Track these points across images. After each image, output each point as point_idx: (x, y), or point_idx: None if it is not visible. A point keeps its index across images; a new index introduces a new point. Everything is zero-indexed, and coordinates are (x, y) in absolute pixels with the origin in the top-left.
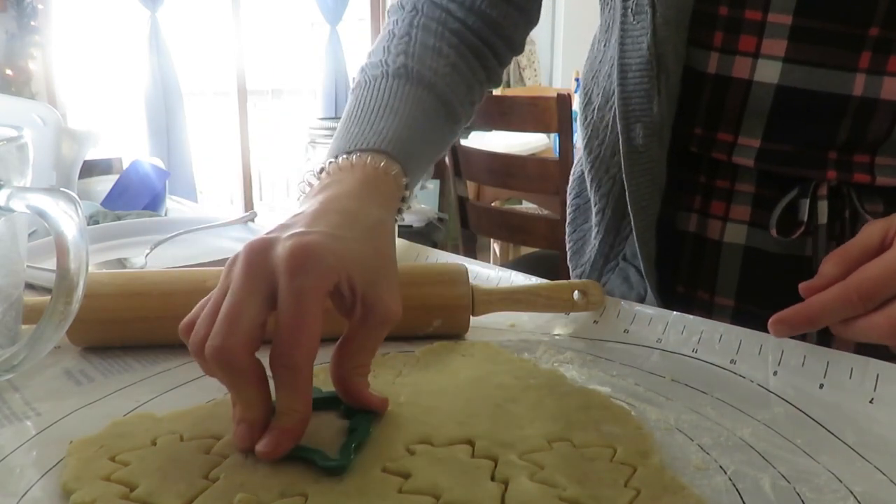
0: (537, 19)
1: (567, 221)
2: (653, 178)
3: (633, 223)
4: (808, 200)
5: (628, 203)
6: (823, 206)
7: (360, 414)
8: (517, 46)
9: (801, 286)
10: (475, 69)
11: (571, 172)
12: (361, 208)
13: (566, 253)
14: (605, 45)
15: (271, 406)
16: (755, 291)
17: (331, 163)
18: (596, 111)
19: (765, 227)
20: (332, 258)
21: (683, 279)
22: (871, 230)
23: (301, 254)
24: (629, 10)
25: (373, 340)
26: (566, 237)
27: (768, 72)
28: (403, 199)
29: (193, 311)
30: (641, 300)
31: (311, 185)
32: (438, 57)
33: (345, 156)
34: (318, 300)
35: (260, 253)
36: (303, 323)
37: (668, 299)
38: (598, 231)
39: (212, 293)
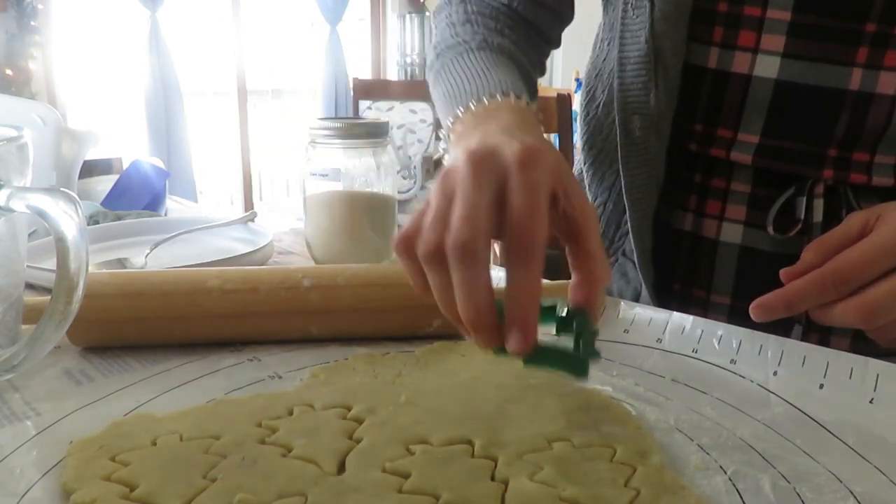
0: (571, 17)
1: None
2: (649, 170)
3: (628, 215)
4: (804, 199)
5: (624, 195)
6: (819, 205)
7: (578, 317)
8: (553, 42)
9: (782, 272)
10: (527, 50)
11: (573, 171)
12: (535, 131)
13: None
14: (608, 45)
15: (494, 311)
16: (751, 290)
17: (473, 105)
18: (601, 107)
19: (760, 226)
20: (553, 161)
21: (680, 277)
22: (853, 220)
23: (532, 152)
24: (629, 6)
25: (599, 238)
26: None
27: (767, 67)
28: None
29: (408, 225)
30: (638, 295)
31: (453, 131)
32: (503, 37)
33: (487, 98)
34: (547, 194)
35: (486, 157)
36: (537, 210)
37: (665, 297)
38: None
39: (428, 203)
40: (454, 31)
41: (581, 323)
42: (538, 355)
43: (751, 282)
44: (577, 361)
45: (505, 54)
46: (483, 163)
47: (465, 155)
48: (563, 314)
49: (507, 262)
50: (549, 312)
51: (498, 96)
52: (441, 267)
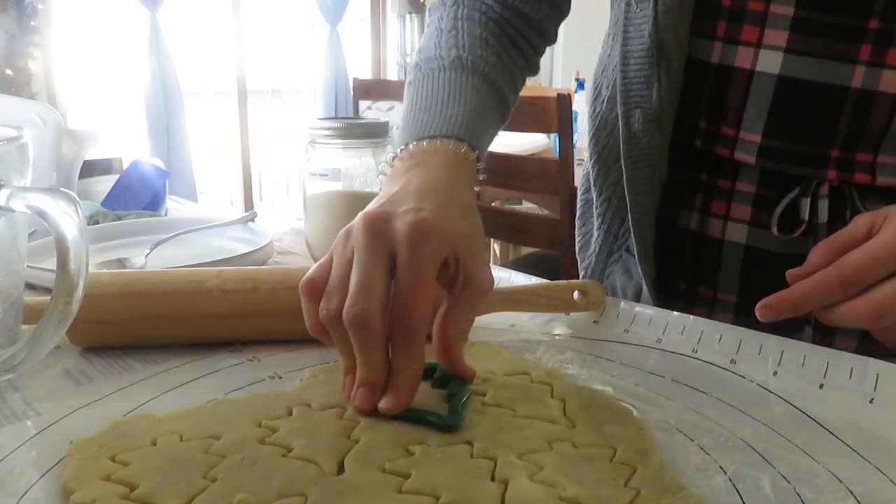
0: (568, 10)
1: (577, 216)
2: (651, 164)
3: (629, 210)
4: (809, 199)
5: (625, 189)
6: (824, 206)
7: (453, 381)
8: (550, 37)
9: (788, 273)
10: (515, 58)
11: (581, 168)
12: (454, 190)
13: (568, 251)
14: (613, 40)
15: (388, 370)
16: (757, 289)
17: (413, 145)
18: (605, 103)
19: (765, 226)
20: (444, 233)
21: (685, 276)
22: (860, 222)
23: (420, 228)
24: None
25: (473, 309)
26: (575, 231)
27: (770, 62)
28: (476, 182)
29: (315, 270)
30: (639, 291)
31: (391, 166)
32: (486, 46)
33: (427, 140)
34: (433, 270)
35: (380, 225)
36: (421, 289)
37: (669, 294)
38: (601, 221)
39: (328, 259)
40: (438, 39)
41: (453, 387)
42: (409, 416)
43: (756, 281)
44: (442, 426)
45: (477, 74)
46: (376, 232)
47: (363, 220)
48: (440, 375)
49: (391, 337)
50: (427, 371)
51: (438, 140)
52: (341, 328)
